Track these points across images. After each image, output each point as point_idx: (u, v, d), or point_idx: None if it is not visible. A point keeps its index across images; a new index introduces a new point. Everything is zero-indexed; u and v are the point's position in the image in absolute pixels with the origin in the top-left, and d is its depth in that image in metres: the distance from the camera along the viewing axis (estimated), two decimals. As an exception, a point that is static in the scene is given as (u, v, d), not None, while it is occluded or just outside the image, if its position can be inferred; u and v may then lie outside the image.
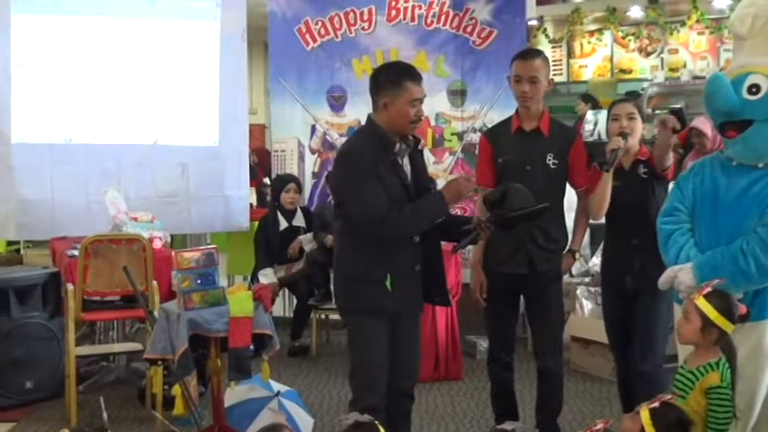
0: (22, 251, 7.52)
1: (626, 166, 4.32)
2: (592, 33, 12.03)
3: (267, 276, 6.55)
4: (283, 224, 6.81)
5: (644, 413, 2.92)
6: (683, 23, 10.63)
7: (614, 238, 4.45)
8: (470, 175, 3.79)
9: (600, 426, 2.92)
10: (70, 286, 5.26)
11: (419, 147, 3.97)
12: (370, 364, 3.82)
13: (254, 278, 6.63)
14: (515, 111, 4.44)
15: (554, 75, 12.68)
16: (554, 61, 12.60)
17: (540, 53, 4.44)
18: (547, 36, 12.34)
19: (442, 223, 3.88)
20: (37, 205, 6.65)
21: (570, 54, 12.36)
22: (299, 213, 6.87)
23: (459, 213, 6.23)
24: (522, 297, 4.48)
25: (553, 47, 12.46)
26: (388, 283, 3.74)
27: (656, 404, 2.94)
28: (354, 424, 3.00)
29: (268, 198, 8.35)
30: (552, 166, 4.30)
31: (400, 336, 3.87)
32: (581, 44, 12.17)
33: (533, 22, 10.91)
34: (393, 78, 3.78)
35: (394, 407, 3.90)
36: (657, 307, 4.21)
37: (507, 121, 4.50)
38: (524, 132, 4.36)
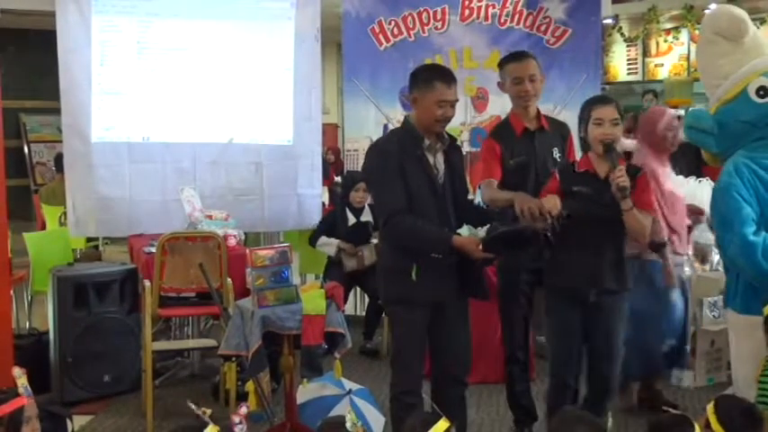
0: (100, 247, 7.67)
1: (601, 174, 3.92)
2: (668, 32, 11.85)
3: (329, 244, 6.64)
4: (351, 220, 6.83)
5: (709, 407, 2.91)
6: (762, 21, 10.33)
7: (578, 248, 3.92)
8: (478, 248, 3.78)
9: None
10: (147, 282, 5.32)
11: (456, 145, 4.15)
12: (403, 350, 4.04)
13: (326, 276, 6.66)
14: (511, 113, 4.52)
15: (629, 73, 12.56)
16: (629, 60, 12.46)
17: (531, 54, 4.52)
18: (622, 35, 12.20)
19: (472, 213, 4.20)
20: (116, 202, 6.79)
21: (646, 53, 12.20)
22: (368, 209, 6.87)
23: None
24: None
25: (628, 45, 12.32)
26: (413, 274, 3.87)
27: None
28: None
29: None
30: (559, 160, 4.42)
31: (444, 325, 4.03)
32: (657, 42, 12.01)
33: (608, 21, 10.77)
34: (426, 77, 3.96)
35: (446, 392, 4.06)
36: (621, 319, 4.08)
37: (506, 125, 4.54)
38: (530, 132, 4.43)
